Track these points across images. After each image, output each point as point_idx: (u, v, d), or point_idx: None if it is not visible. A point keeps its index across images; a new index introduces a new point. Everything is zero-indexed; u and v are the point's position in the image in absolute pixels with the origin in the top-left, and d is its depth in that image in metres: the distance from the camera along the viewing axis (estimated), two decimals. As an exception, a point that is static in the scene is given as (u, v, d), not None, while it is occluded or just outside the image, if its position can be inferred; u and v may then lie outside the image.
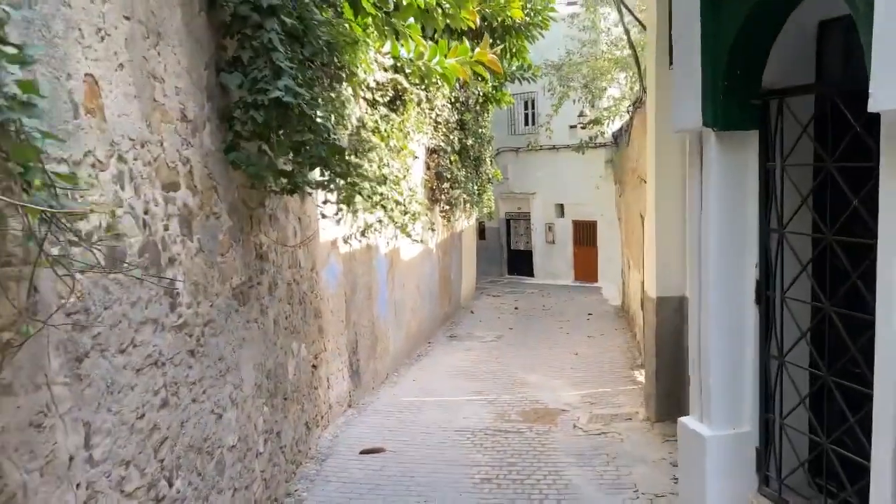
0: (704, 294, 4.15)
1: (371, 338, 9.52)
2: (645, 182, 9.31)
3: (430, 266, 13.12)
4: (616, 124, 16.19)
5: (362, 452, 6.89)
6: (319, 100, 5.11)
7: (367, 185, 7.96)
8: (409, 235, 10.58)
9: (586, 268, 19.32)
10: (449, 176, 12.92)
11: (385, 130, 8.51)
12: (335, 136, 5.58)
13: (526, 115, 20.10)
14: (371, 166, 8.15)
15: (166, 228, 3.53)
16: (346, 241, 8.56)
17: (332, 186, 6.34)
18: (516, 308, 16.08)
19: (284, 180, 5.42)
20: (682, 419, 4.51)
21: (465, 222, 16.48)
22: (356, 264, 8.96)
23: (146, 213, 3.36)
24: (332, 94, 6.01)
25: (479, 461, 6.67)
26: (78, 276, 2.69)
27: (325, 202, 6.02)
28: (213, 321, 4.13)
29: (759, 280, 4.04)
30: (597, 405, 8.62)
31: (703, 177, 4.11)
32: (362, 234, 9.14)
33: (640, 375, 9.87)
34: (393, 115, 9.06)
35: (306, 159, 5.23)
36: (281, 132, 4.53)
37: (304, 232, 6.85)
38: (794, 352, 3.98)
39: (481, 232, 19.45)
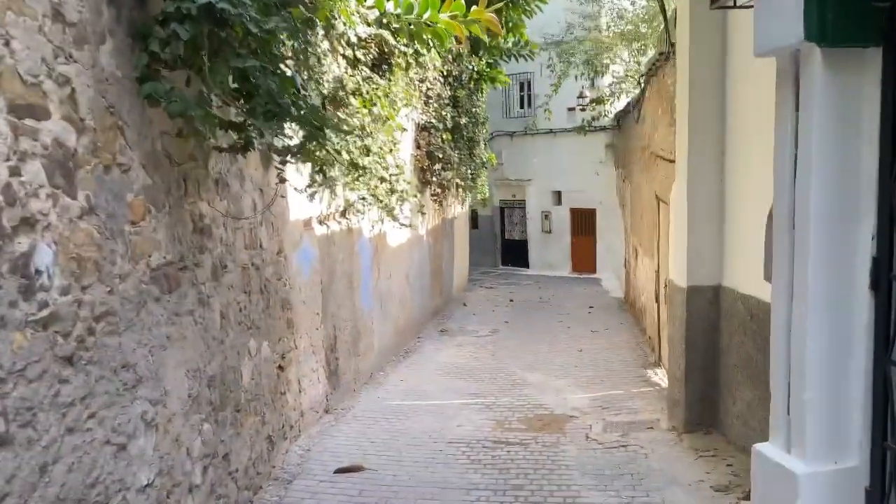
0: (799, 277, 2.96)
1: (352, 333, 8.31)
2: (664, 159, 8.14)
3: (421, 254, 11.91)
4: (620, 104, 15.00)
5: (337, 472, 5.68)
6: (277, 27, 3.88)
7: (344, 150, 6.75)
8: (395, 219, 9.38)
9: (584, 258, 18.15)
10: (441, 156, 11.70)
11: (368, 93, 7.27)
12: (298, 76, 4.36)
13: (521, 98, 18.86)
14: (349, 136, 6.93)
15: (14, 173, 2.30)
16: (322, 222, 7.34)
17: (297, 148, 5.16)
18: (511, 300, 14.90)
19: (234, 135, 4.21)
20: (759, 447, 3.33)
21: (458, 208, 15.26)
22: (335, 249, 7.74)
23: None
24: (301, 39, 4.76)
25: (477, 483, 5.47)
26: None
27: (282, 163, 4.79)
28: (113, 314, 2.91)
29: (878, 257, 2.86)
30: (610, 410, 7.45)
31: (801, 114, 2.92)
32: (342, 214, 7.92)
33: (656, 375, 8.72)
34: (378, 79, 7.82)
35: (259, 106, 4.02)
36: (215, 58, 3.30)
37: (266, 205, 5.62)
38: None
39: (473, 220, 18.20)
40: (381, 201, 8.22)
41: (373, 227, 8.94)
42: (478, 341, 11.25)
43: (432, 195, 12.05)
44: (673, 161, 7.84)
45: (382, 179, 8.27)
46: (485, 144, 15.47)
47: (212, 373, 4.11)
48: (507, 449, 6.30)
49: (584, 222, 18.25)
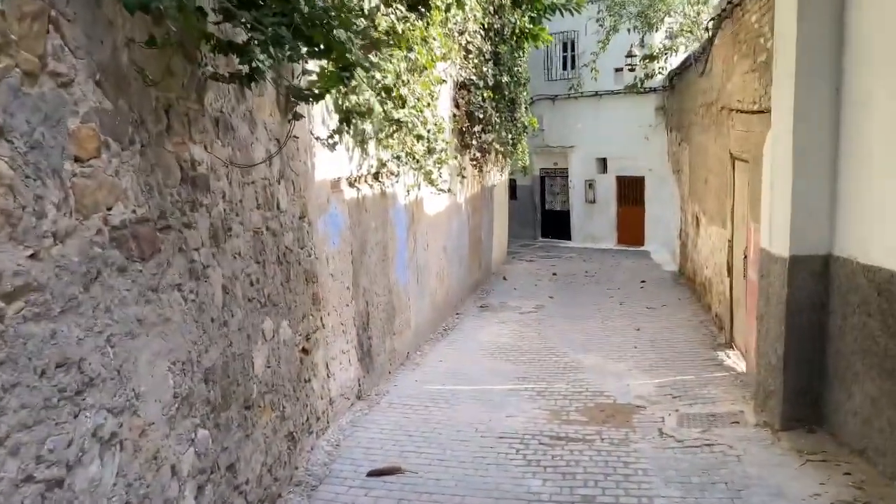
0: None
1: (387, 309, 7.38)
2: (742, 111, 7.00)
3: (459, 224, 10.92)
4: (673, 63, 13.70)
5: (371, 475, 4.77)
6: None
7: (374, 96, 5.76)
8: (433, 183, 8.39)
9: (631, 229, 16.95)
10: (482, 116, 10.63)
11: (405, 32, 6.24)
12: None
13: (564, 59, 17.56)
14: (383, 81, 5.93)
15: None
16: (352, 184, 6.38)
17: (319, 89, 4.20)
18: (554, 274, 13.85)
19: (236, 58, 3.26)
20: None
21: (498, 176, 14.20)
22: (367, 216, 6.79)
23: None
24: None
25: (539, 492, 4.51)
26: None
27: (296, 96, 3.84)
28: (39, 289, 1.98)
29: None
30: (682, 400, 6.42)
31: None
32: (374, 176, 6.94)
33: (728, 358, 7.65)
34: (415, 21, 6.78)
35: (267, 17, 3.06)
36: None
37: (284, 160, 4.67)
38: None
39: (512, 190, 17.08)
40: (418, 161, 7.22)
41: (408, 192, 7.96)
42: (522, 318, 10.26)
43: (471, 160, 11.01)
44: (754, 112, 6.70)
45: (419, 137, 7.26)
46: (526, 107, 14.33)
47: (210, 364, 3.19)
48: (568, 447, 5.33)
49: (631, 191, 17.02)
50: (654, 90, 16.03)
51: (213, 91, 3.40)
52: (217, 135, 3.42)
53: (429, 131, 7.31)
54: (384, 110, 6.20)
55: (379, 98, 6.02)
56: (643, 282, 12.65)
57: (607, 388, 6.89)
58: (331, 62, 3.99)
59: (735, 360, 7.53)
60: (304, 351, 5.07)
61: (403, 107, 6.56)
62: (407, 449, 5.32)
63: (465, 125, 10.33)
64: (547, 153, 17.83)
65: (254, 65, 3.21)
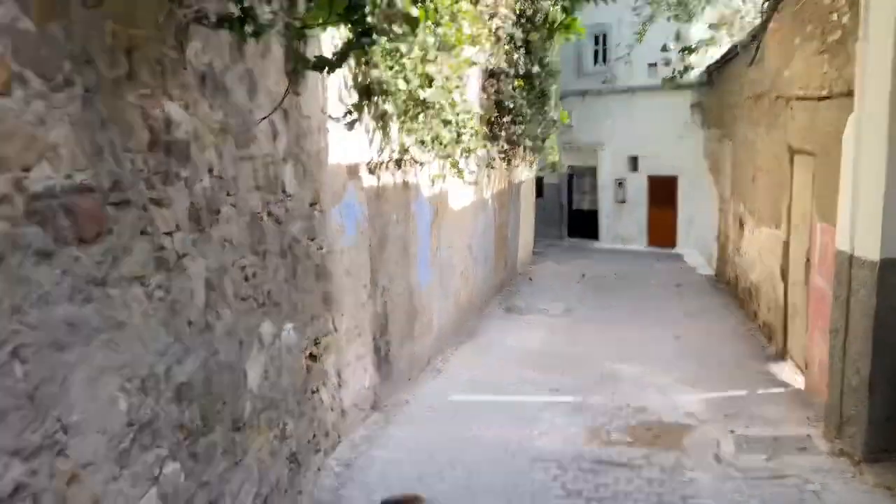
0: None
1: (408, 310, 6.69)
2: (804, 98, 6.24)
3: (485, 221, 10.20)
4: (712, 57, 12.87)
5: (385, 504, 4.08)
6: None
7: (396, 71, 5.07)
8: (460, 174, 7.69)
9: (663, 231, 16.08)
10: (511, 106, 9.90)
11: (433, 1, 5.54)
12: None
13: (596, 53, 16.72)
14: (408, 52, 5.25)
15: None
16: (372, 171, 5.70)
17: (336, 57, 3.52)
18: (583, 275, 13.06)
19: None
20: None
21: (526, 172, 13.45)
22: (388, 207, 6.10)
23: None
24: None
25: (584, 533, 3.80)
26: None
27: (306, 66, 3.17)
28: None
29: None
30: (737, 420, 5.65)
31: None
32: (397, 164, 6.26)
33: (783, 372, 6.85)
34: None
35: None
36: None
37: (292, 137, 3.99)
38: None
39: (538, 188, 16.27)
40: (445, 148, 6.52)
41: (433, 182, 7.26)
42: (551, 322, 9.52)
43: (500, 152, 10.27)
44: (822, 98, 5.91)
45: (446, 122, 6.56)
46: (556, 101, 13.54)
47: (184, 378, 2.51)
48: (612, 474, 4.60)
49: (663, 191, 16.15)
50: (690, 86, 15.16)
51: (200, 40, 2.72)
52: (203, 94, 2.74)
53: (457, 115, 6.60)
54: (409, 89, 5.50)
55: (402, 74, 5.32)
56: (678, 285, 11.83)
57: (650, 402, 6.14)
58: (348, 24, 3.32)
59: (791, 375, 6.73)
60: (312, 357, 4.40)
61: (430, 86, 5.86)
62: (427, 471, 4.62)
63: (494, 115, 9.60)
64: (576, 150, 17.01)
65: (245, 4, 2.53)
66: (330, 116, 4.57)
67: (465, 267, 9.04)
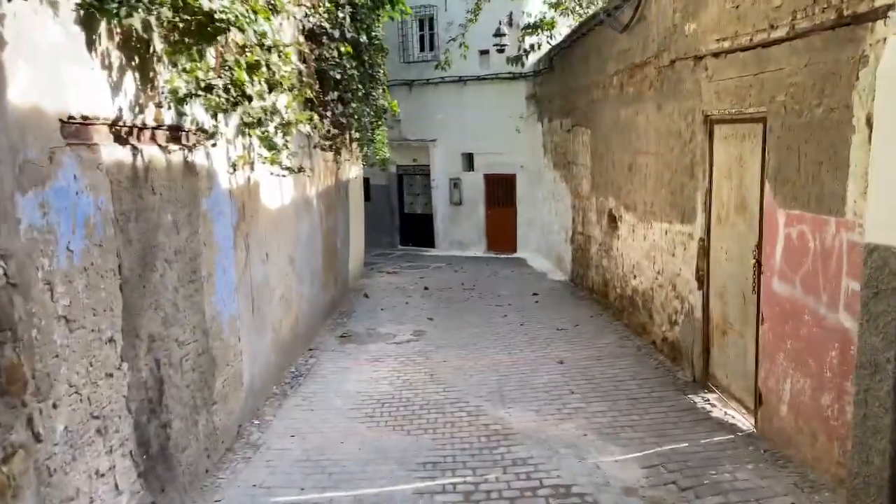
0: None
1: (198, 363, 4.21)
2: (733, 51, 4.67)
3: (310, 225, 7.83)
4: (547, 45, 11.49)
5: None
6: None
7: None
8: (274, 155, 5.31)
9: (503, 234, 14.56)
10: (339, 77, 7.64)
11: None
12: None
13: (422, 38, 14.91)
14: None
15: None
16: (121, 137, 3.22)
17: None
18: (426, 288, 11.08)
19: None
20: None
21: (354, 170, 11.21)
22: (155, 200, 3.62)
23: None
24: None
25: None
26: None
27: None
28: None
29: None
30: (698, 495, 3.86)
31: None
32: (173, 131, 3.79)
33: (714, 407, 5.25)
34: None
35: None
36: None
37: None
38: None
39: (365, 191, 14.14)
40: (250, 102, 4.14)
41: (235, 168, 4.84)
42: (400, 351, 7.37)
43: (326, 138, 7.96)
44: (771, 43, 4.35)
45: (253, 66, 4.17)
46: (384, 87, 11.45)
47: None
48: None
49: (501, 191, 14.67)
50: (523, 76, 13.84)
51: None
52: None
53: (268, 50, 4.24)
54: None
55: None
56: (535, 294, 10.22)
57: (569, 474, 4.21)
58: None
59: (721, 410, 5.15)
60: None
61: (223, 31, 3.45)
62: None
63: (316, 89, 7.27)
64: (405, 148, 15.05)
65: None
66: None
67: (286, 288, 6.63)
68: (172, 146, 3.85)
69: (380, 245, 15.15)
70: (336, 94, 7.85)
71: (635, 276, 7.44)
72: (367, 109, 10.11)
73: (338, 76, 7.53)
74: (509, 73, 13.64)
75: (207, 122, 4.17)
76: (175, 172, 3.90)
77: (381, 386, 6.21)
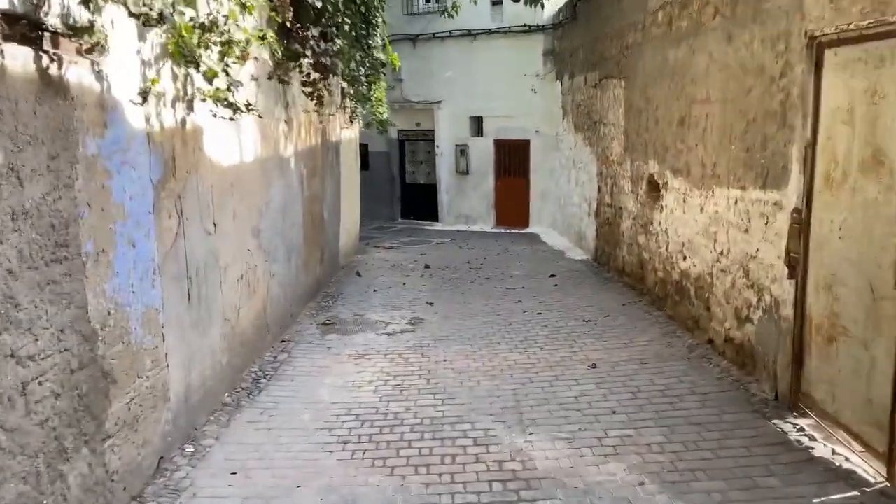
0: None
1: (76, 387, 2.75)
2: None
3: (287, 190, 6.34)
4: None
5: None
6: None
7: None
8: (218, 91, 3.82)
9: (514, 207, 13.06)
10: (321, 6, 6.10)
11: None
12: None
13: (427, -13, 13.36)
14: None
15: None
16: None
17: None
18: (427, 267, 9.63)
19: None
20: None
21: (347, 131, 9.69)
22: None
23: None
24: None
25: None
26: None
27: None
28: None
29: None
30: None
31: None
32: (32, 25, 2.31)
33: (813, 441, 3.78)
34: None
35: None
36: None
37: None
38: None
39: (363, 159, 12.64)
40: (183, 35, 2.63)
41: (145, 97, 3.35)
42: (391, 346, 5.94)
43: (305, 83, 6.43)
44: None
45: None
46: (383, 39, 9.89)
47: None
48: None
49: (513, 159, 13.13)
50: (540, 29, 12.23)
51: None
52: None
53: None
54: None
55: None
56: (553, 276, 8.75)
57: (630, 559, 2.76)
58: None
59: (833, 447, 3.68)
60: None
61: None
62: None
63: (292, 21, 5.71)
64: (407, 110, 13.51)
65: None
66: None
67: (247, 267, 5.17)
68: (7, 45, 2.37)
69: (378, 217, 13.69)
70: (318, 29, 6.31)
71: (685, 258, 5.94)
72: (361, 56, 8.58)
73: (318, 3, 5.98)
74: (524, 25, 12.05)
75: (77, 14, 2.68)
76: (31, 88, 2.43)
77: (364, 394, 4.78)
